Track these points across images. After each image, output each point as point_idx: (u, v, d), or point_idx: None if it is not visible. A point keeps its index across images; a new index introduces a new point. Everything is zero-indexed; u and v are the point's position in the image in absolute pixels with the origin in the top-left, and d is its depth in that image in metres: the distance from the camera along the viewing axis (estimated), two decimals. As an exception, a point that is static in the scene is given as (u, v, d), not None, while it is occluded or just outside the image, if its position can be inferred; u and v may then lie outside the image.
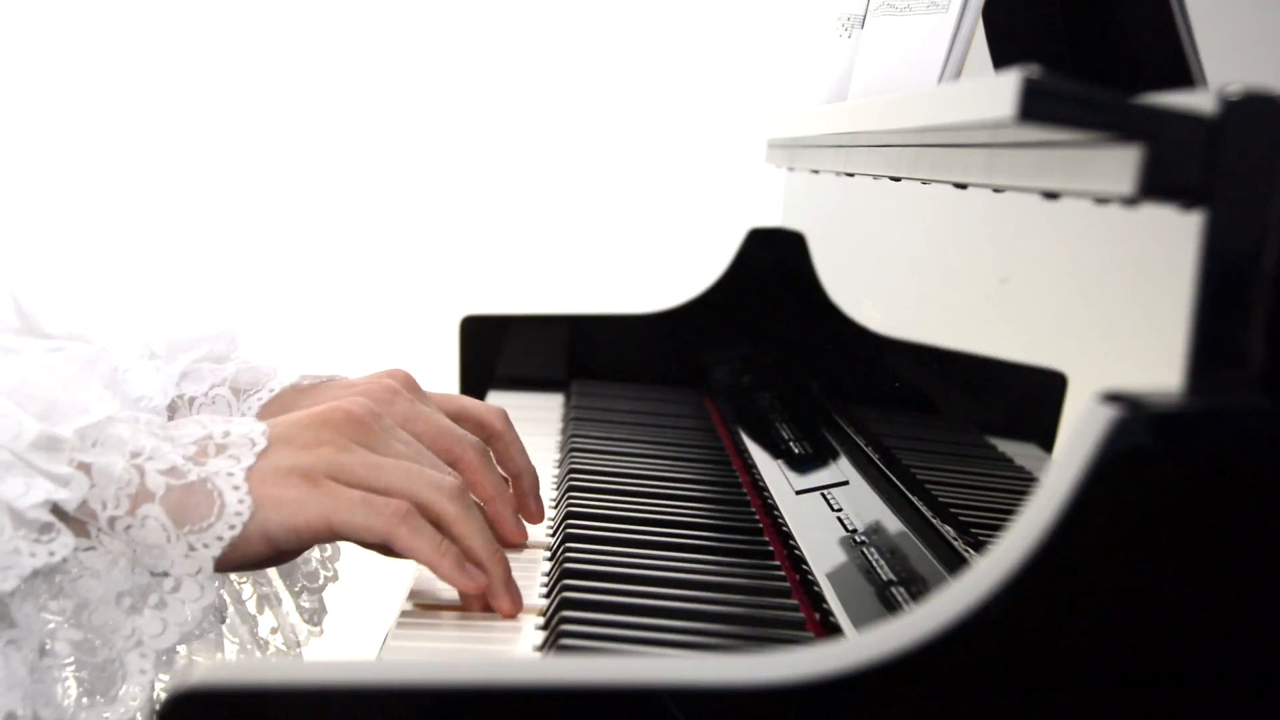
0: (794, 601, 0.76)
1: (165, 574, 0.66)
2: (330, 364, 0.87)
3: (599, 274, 1.99)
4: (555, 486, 0.99)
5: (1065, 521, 0.47)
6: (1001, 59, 1.03)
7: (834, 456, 0.99)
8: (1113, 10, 0.95)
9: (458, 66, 1.99)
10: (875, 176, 0.96)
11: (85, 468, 0.65)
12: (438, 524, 0.69)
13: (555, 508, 0.92)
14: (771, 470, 1.00)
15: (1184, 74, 0.89)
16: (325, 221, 2.02)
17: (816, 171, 1.21)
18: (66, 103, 1.96)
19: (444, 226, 2.02)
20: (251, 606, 0.80)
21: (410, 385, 0.81)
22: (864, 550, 0.79)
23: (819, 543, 0.82)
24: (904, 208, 0.92)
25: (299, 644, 0.83)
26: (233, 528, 0.66)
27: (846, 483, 0.92)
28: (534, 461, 0.86)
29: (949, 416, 0.84)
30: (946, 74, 0.89)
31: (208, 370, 0.84)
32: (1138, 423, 0.47)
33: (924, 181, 0.84)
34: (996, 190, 0.71)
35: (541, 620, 0.72)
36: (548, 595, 0.76)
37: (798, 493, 0.94)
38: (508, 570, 0.71)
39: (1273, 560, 0.49)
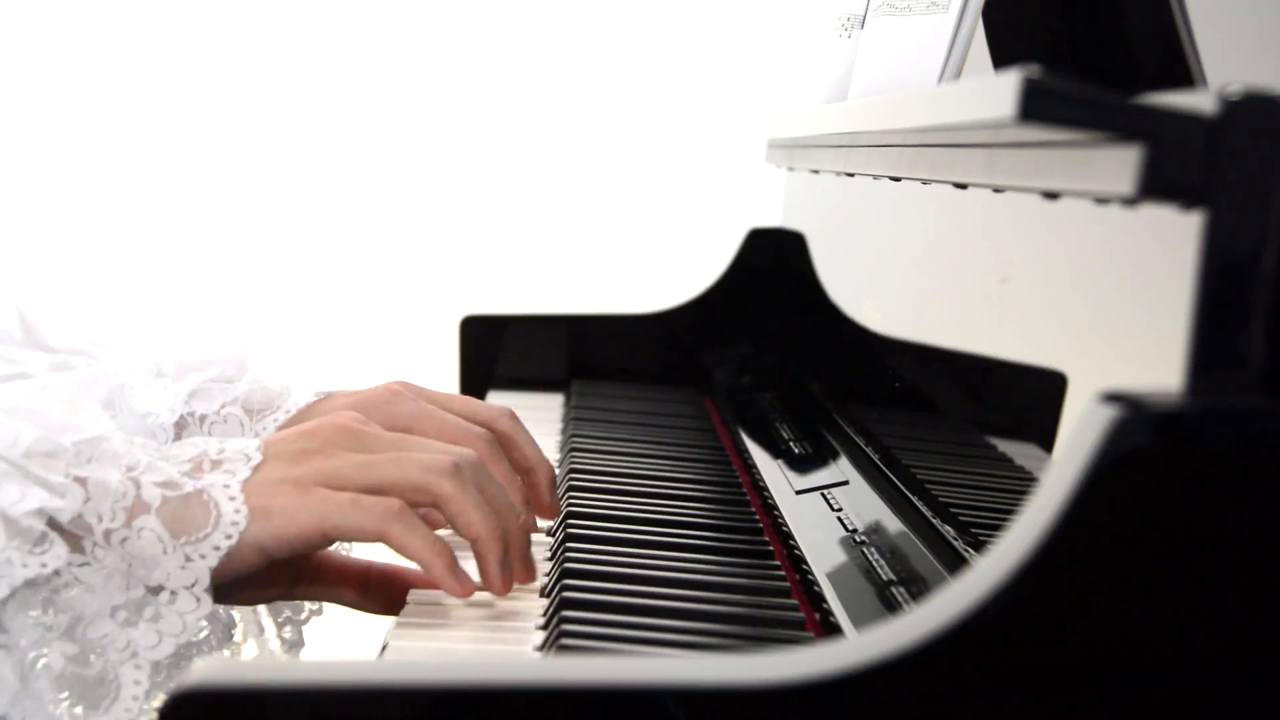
0: (794, 601, 0.76)
1: (160, 587, 0.66)
2: (330, 364, 0.87)
3: (599, 274, 1.99)
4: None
5: (1065, 521, 0.47)
6: (1001, 59, 1.03)
7: (834, 456, 0.99)
8: (1113, 10, 0.95)
9: (458, 67, 1.99)
10: (875, 176, 0.96)
11: (81, 481, 0.65)
12: (435, 505, 0.69)
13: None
14: (771, 470, 1.00)
15: (1184, 74, 0.89)
16: (325, 222, 2.02)
17: (816, 171, 1.21)
18: (71, 114, 1.97)
19: (444, 226, 2.02)
20: (237, 635, 0.80)
21: (414, 388, 0.81)
22: (864, 550, 0.79)
23: (819, 543, 0.82)
24: (904, 208, 0.92)
25: None
26: (229, 537, 0.66)
27: (846, 483, 0.92)
28: None
29: (949, 416, 0.84)
30: (946, 74, 0.89)
31: (218, 389, 0.84)
32: (1138, 423, 0.47)
33: (924, 181, 0.84)
34: (996, 190, 0.71)
35: (542, 620, 0.72)
36: (548, 595, 0.76)
37: (798, 493, 0.94)
38: (505, 549, 0.70)
39: (1273, 560, 0.49)
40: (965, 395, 0.81)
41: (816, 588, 0.76)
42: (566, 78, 1.98)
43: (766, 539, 0.87)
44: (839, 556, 0.80)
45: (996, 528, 0.68)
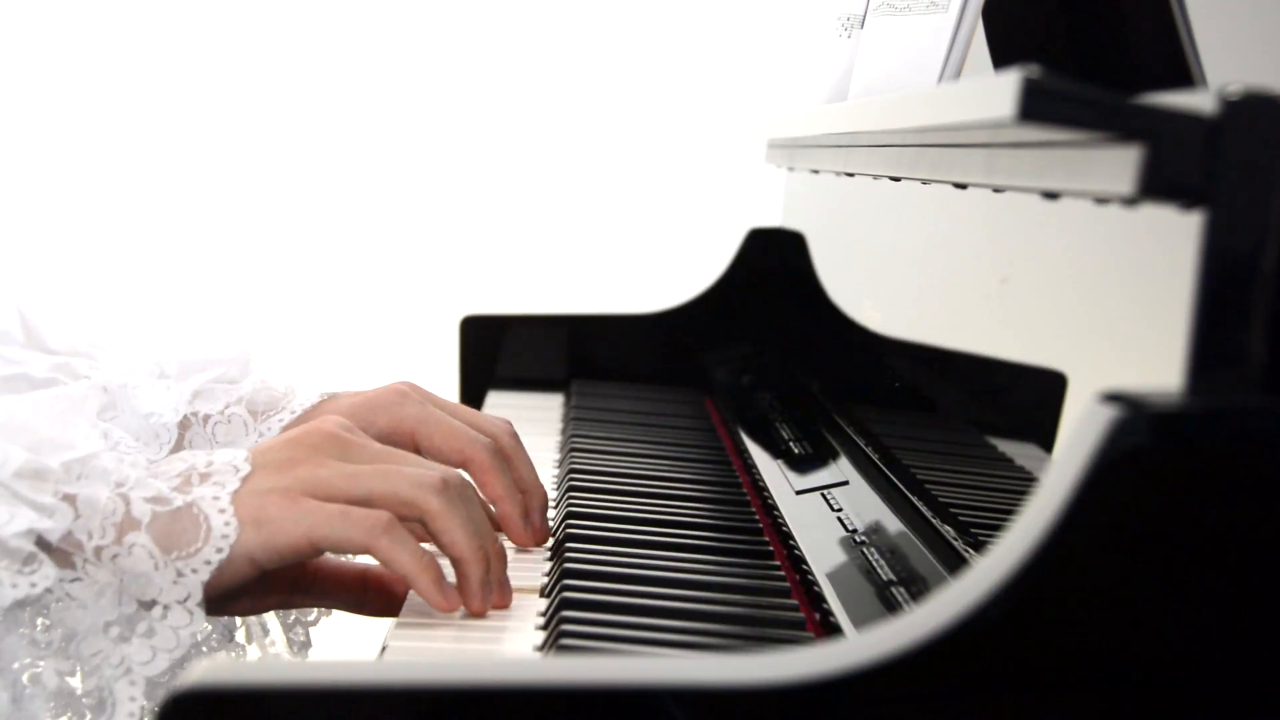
0: (794, 601, 0.76)
1: (153, 603, 0.66)
2: (330, 364, 0.87)
3: (599, 274, 1.99)
4: (555, 486, 0.99)
5: (1065, 521, 0.47)
6: (1001, 59, 1.03)
7: (834, 456, 0.99)
8: (1113, 10, 0.95)
9: (458, 67, 1.99)
10: (875, 176, 0.96)
11: (70, 499, 0.65)
12: (421, 521, 0.69)
13: (555, 508, 0.92)
14: (771, 470, 1.00)
15: (1184, 74, 0.89)
16: (326, 222, 2.02)
17: (816, 171, 1.21)
18: (73, 115, 1.97)
19: (444, 227, 2.02)
20: (240, 637, 0.80)
21: (420, 391, 0.81)
22: (864, 550, 0.79)
23: (819, 543, 0.82)
24: (904, 208, 0.92)
25: None
26: (220, 551, 0.65)
27: (846, 483, 0.92)
28: (533, 461, 0.86)
29: (949, 416, 0.84)
30: (946, 74, 0.89)
31: (221, 390, 0.84)
32: (1138, 423, 0.47)
33: (924, 181, 0.84)
34: (996, 190, 0.71)
35: (542, 620, 0.72)
36: (548, 595, 0.76)
37: (798, 493, 0.94)
38: (487, 569, 0.70)
39: (1273, 560, 0.49)
40: (965, 395, 0.81)
41: (816, 588, 0.76)
42: (566, 78, 1.98)
43: (766, 539, 0.87)
44: (839, 556, 0.80)
45: (996, 528, 0.68)
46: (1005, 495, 0.69)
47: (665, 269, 1.91)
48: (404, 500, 0.68)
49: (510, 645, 0.69)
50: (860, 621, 0.69)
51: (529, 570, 0.80)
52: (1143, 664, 0.50)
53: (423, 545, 0.70)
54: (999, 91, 0.51)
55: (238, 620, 0.80)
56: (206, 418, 0.83)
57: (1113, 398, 0.48)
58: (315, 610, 0.83)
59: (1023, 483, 0.67)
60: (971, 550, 0.70)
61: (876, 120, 0.81)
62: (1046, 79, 0.49)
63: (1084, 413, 0.48)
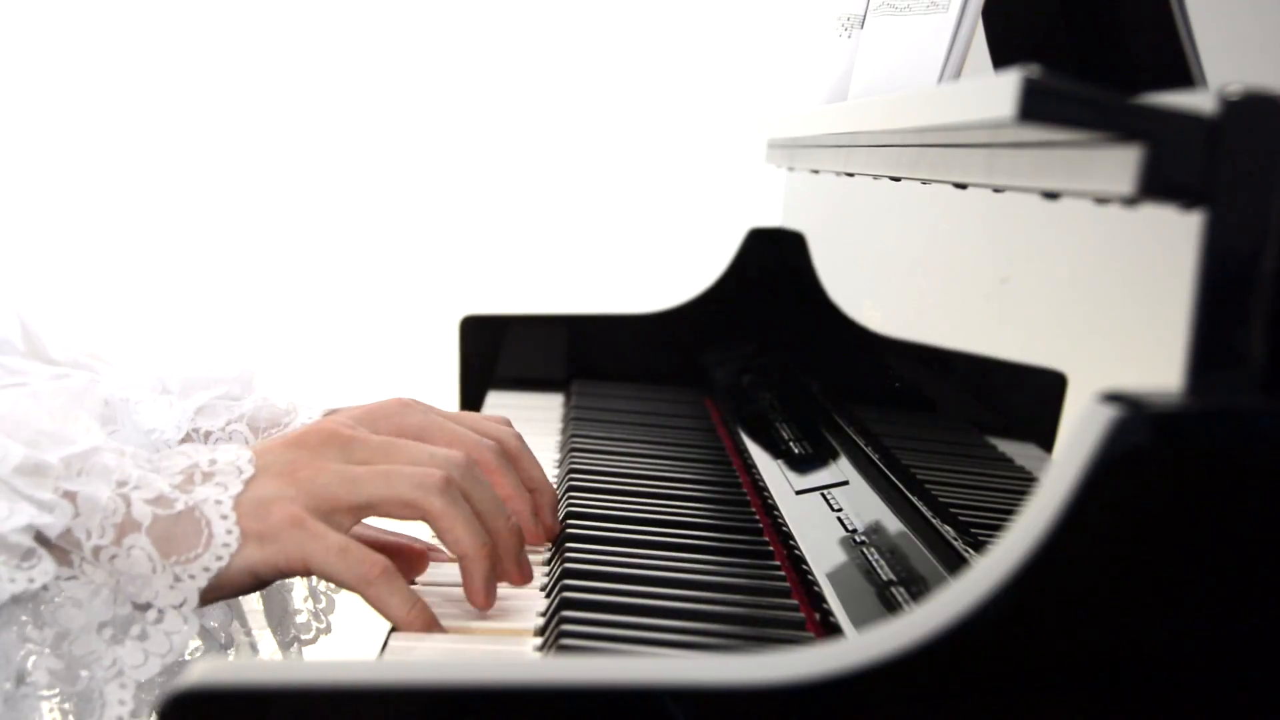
0: (794, 601, 0.76)
1: (148, 605, 0.65)
2: (330, 364, 0.88)
3: (599, 274, 1.99)
4: (555, 486, 0.99)
5: (1065, 521, 0.47)
6: (1001, 59, 1.03)
7: (834, 456, 0.99)
8: (1113, 10, 0.95)
9: (458, 67, 1.99)
10: (875, 176, 0.96)
11: (70, 496, 0.65)
12: (424, 520, 0.69)
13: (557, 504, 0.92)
14: (771, 470, 1.00)
15: (1184, 74, 0.89)
16: (326, 222, 2.02)
17: (816, 171, 1.21)
18: (74, 123, 1.97)
19: (444, 226, 2.02)
20: (230, 656, 0.80)
21: (421, 403, 0.81)
22: (864, 550, 0.79)
23: (819, 543, 0.82)
24: (904, 208, 0.92)
25: None
26: (220, 559, 0.65)
27: (846, 483, 0.92)
28: None
29: (949, 416, 0.84)
30: (946, 74, 0.89)
31: (223, 407, 0.84)
32: (1138, 423, 0.47)
33: (924, 181, 0.84)
34: (996, 190, 0.71)
35: (542, 620, 0.72)
36: (548, 595, 0.76)
37: (798, 493, 0.94)
38: (491, 567, 0.70)
39: (1273, 560, 0.49)
40: (965, 395, 0.81)
41: (816, 588, 0.76)
42: (566, 78, 1.98)
43: (766, 539, 0.87)
44: (839, 556, 0.80)
45: (996, 528, 0.68)
46: (1005, 495, 0.69)
47: (665, 269, 1.91)
48: (406, 502, 0.68)
49: (510, 645, 0.69)
50: (860, 621, 0.69)
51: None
52: (1143, 664, 0.50)
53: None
54: (999, 91, 0.51)
55: (232, 646, 0.80)
56: (208, 434, 0.83)
57: (1113, 398, 0.48)
58: (314, 628, 0.83)
59: (1023, 483, 0.67)
60: (971, 550, 0.70)
61: (876, 120, 0.81)
62: (1046, 79, 0.49)
63: (1084, 413, 0.48)
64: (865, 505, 0.87)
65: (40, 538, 0.64)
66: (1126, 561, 0.49)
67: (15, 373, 0.81)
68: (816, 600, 0.75)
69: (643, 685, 0.48)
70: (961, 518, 0.74)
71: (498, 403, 1.31)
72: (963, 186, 0.76)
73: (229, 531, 0.66)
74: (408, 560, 0.78)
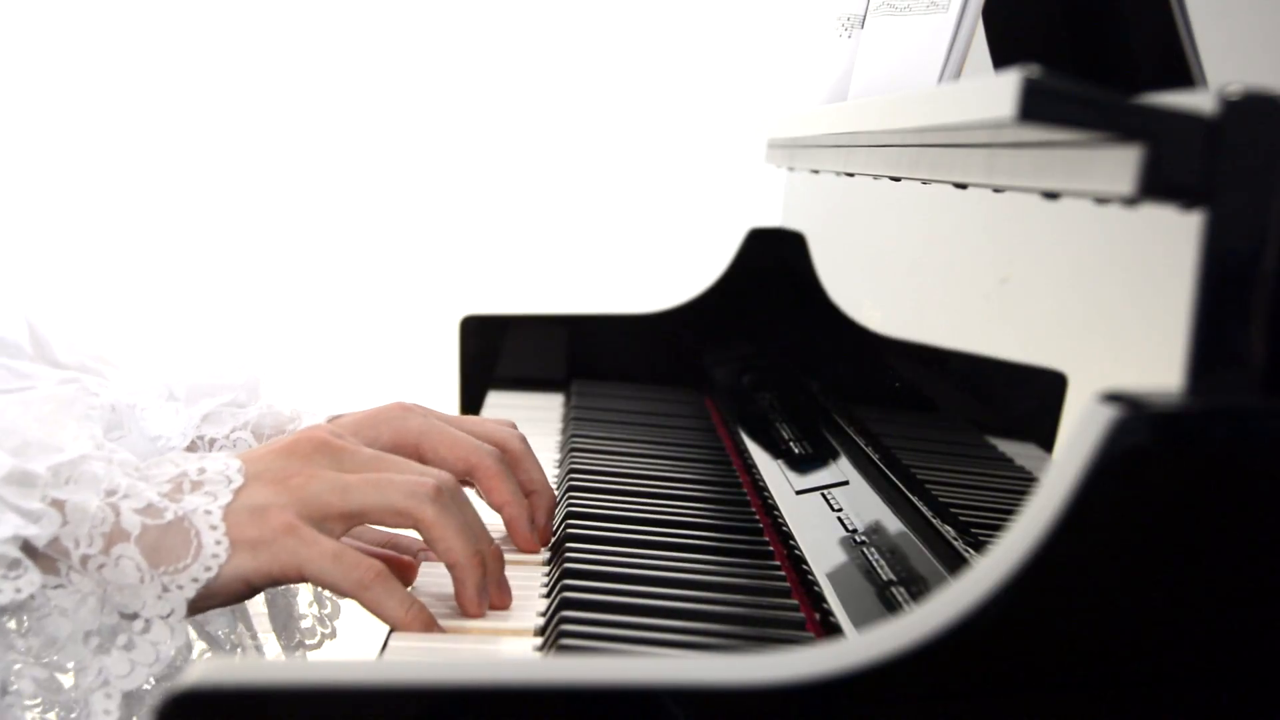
0: (794, 601, 0.76)
1: (135, 615, 0.65)
2: (331, 364, 0.88)
3: (599, 274, 1.99)
4: (556, 486, 0.99)
5: (1065, 522, 0.47)
6: (1001, 59, 1.03)
7: (834, 456, 0.99)
8: (1113, 10, 0.95)
9: (458, 67, 1.99)
10: (875, 176, 0.96)
11: (59, 505, 0.64)
12: (415, 529, 0.69)
13: (555, 507, 0.92)
14: (771, 470, 1.00)
15: (1184, 74, 0.89)
16: (326, 222, 2.02)
17: (816, 171, 1.21)
18: (75, 127, 1.97)
19: (444, 226, 2.02)
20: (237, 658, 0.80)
21: (422, 408, 0.81)
22: (864, 550, 0.79)
23: (819, 543, 0.82)
24: (904, 208, 0.92)
25: None
26: (209, 569, 0.65)
27: (846, 483, 0.92)
28: None
29: (949, 416, 0.84)
30: (946, 74, 0.89)
31: (229, 414, 0.84)
32: (1138, 423, 0.47)
33: (924, 181, 0.84)
34: (996, 190, 0.71)
35: (541, 620, 0.72)
36: (548, 595, 0.76)
37: (798, 493, 0.94)
38: (484, 575, 0.70)
39: (1273, 560, 0.49)
40: (965, 395, 0.81)
41: (816, 588, 0.76)
42: (566, 78, 1.98)
43: (766, 539, 0.87)
44: (839, 556, 0.80)
45: (996, 528, 0.68)
46: (1005, 495, 0.69)
47: (665, 269, 1.91)
48: (398, 510, 0.68)
49: (510, 645, 0.69)
50: (860, 621, 0.69)
51: (529, 571, 0.80)
52: (1143, 664, 0.50)
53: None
54: (999, 91, 0.51)
55: (238, 650, 0.80)
56: (212, 441, 0.83)
57: (1113, 398, 0.48)
58: (319, 632, 0.83)
59: (1023, 483, 0.67)
60: (971, 550, 0.70)
61: (876, 120, 0.81)
62: (1046, 79, 0.49)
63: (1084, 413, 0.48)
64: (865, 505, 0.87)
65: (27, 547, 0.64)
66: (1126, 561, 0.49)
67: (22, 376, 0.81)
68: (816, 600, 0.75)
69: (643, 685, 0.48)
70: (961, 518, 0.74)
71: (498, 403, 1.31)
72: (963, 186, 0.76)
73: (218, 542, 0.65)
74: (397, 570, 0.78)
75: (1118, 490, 0.47)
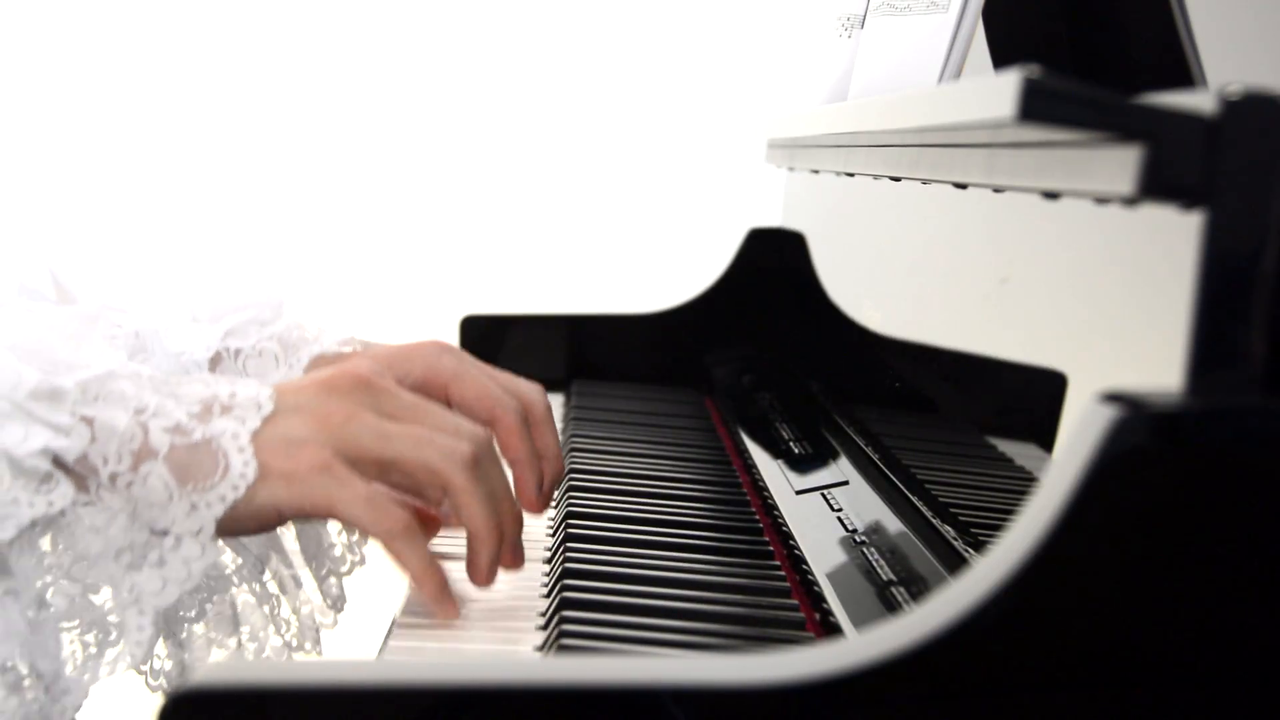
0: (794, 601, 0.76)
1: (166, 532, 0.65)
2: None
3: (599, 274, 1.99)
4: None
5: (1065, 522, 0.47)
6: (1001, 59, 1.03)
7: (834, 456, 0.99)
8: (1113, 10, 0.95)
9: (458, 67, 1.99)
10: (875, 176, 0.96)
11: (88, 421, 0.64)
12: (444, 490, 0.69)
13: (555, 508, 0.92)
14: (771, 470, 1.00)
15: (1184, 74, 0.89)
16: (326, 222, 2.02)
17: (816, 171, 1.21)
18: (83, 121, 1.97)
19: (444, 226, 2.02)
20: (273, 588, 0.80)
21: (458, 350, 0.81)
22: (864, 550, 0.79)
23: (819, 543, 0.82)
24: (904, 208, 0.92)
25: (316, 629, 0.83)
26: (236, 489, 0.65)
27: (846, 483, 0.92)
28: None
29: (949, 416, 0.84)
30: (946, 74, 0.89)
31: (254, 328, 0.84)
32: (1138, 423, 0.47)
33: (924, 181, 0.84)
34: (996, 190, 0.71)
35: (542, 620, 0.72)
36: (548, 595, 0.76)
37: (798, 493, 0.94)
38: (499, 548, 0.70)
39: (1273, 560, 0.49)
40: (965, 395, 0.81)
41: (816, 588, 0.76)
42: (567, 78, 1.98)
43: (766, 539, 0.87)
44: (839, 556, 0.80)
45: (996, 528, 0.68)
46: (1005, 495, 0.69)
47: (665, 269, 1.91)
48: (432, 470, 0.68)
49: (510, 645, 0.69)
50: (860, 621, 0.69)
51: (529, 571, 0.80)
52: (1143, 664, 0.50)
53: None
54: (999, 91, 0.51)
55: (268, 574, 0.80)
56: (237, 352, 0.83)
57: (1113, 398, 0.48)
58: (348, 560, 0.83)
59: (1023, 483, 0.67)
60: (971, 550, 0.70)
61: (876, 120, 0.81)
62: (1046, 79, 0.49)
63: (1084, 413, 0.48)
64: (865, 505, 0.87)
65: (57, 462, 0.64)
66: (1127, 561, 0.49)
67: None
68: (816, 600, 0.75)
69: (643, 685, 0.48)
70: (961, 518, 0.74)
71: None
72: (963, 186, 0.76)
73: (245, 464, 0.65)
74: (422, 522, 0.78)
75: (1118, 490, 0.47)
